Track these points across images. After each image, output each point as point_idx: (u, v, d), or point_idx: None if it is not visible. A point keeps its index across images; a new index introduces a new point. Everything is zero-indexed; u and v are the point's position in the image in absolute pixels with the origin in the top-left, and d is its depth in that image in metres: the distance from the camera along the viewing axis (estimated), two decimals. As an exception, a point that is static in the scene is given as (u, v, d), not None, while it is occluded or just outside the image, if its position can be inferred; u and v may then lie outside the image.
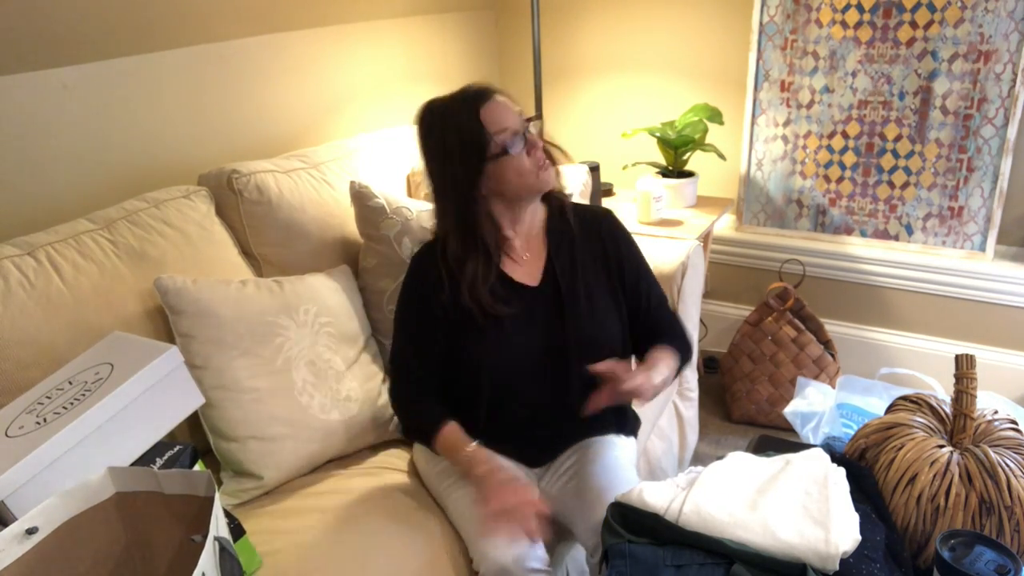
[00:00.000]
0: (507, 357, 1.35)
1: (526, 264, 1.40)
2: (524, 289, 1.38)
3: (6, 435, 1.09)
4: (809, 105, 2.34)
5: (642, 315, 1.44)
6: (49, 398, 1.15)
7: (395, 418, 1.55)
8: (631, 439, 1.49)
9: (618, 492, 1.24)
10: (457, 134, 1.30)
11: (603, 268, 1.42)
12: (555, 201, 1.45)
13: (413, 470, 1.48)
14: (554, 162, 1.36)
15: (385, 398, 1.55)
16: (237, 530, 1.15)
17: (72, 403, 1.11)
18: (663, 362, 1.34)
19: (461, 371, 1.37)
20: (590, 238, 1.43)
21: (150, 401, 1.16)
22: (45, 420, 1.09)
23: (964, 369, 1.13)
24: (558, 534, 1.39)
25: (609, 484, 1.30)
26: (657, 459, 1.87)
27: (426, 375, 1.38)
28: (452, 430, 1.33)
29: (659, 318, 1.45)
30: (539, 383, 1.37)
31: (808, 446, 1.20)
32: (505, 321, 1.34)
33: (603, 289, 1.41)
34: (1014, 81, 2.07)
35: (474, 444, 1.30)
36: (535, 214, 1.42)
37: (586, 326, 1.37)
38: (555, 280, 1.38)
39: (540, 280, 1.39)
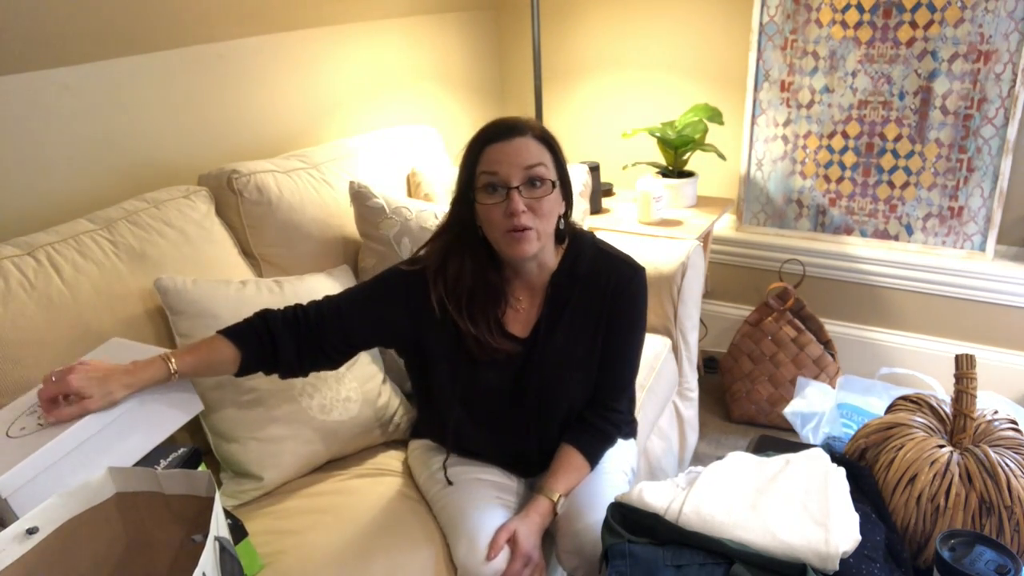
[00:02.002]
0: (471, 395, 1.33)
1: (522, 313, 1.34)
2: (512, 339, 1.32)
3: (7, 436, 1.09)
4: (809, 105, 2.34)
5: (595, 386, 1.37)
6: None
7: (395, 418, 1.55)
8: (630, 442, 1.48)
9: (597, 509, 1.24)
10: (463, 162, 1.27)
11: (591, 328, 1.33)
12: (575, 248, 1.36)
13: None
14: (547, 235, 1.27)
15: (385, 398, 1.55)
16: (239, 532, 1.15)
17: (73, 406, 1.11)
18: (560, 483, 1.28)
19: (432, 393, 1.36)
20: (593, 293, 1.32)
21: (150, 406, 1.16)
22: (47, 422, 1.09)
23: (964, 369, 1.13)
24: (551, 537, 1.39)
25: (588, 501, 1.27)
26: (657, 459, 1.87)
27: (306, 327, 1.26)
28: (205, 343, 1.19)
29: (603, 399, 1.36)
30: (499, 424, 1.35)
31: (808, 446, 1.20)
32: (481, 363, 1.31)
33: (584, 351, 1.33)
34: (1014, 81, 2.07)
35: (176, 374, 1.14)
36: (543, 264, 1.33)
37: (551, 389, 1.32)
38: (538, 338, 1.32)
39: (529, 333, 1.33)
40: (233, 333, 1.21)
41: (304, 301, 1.51)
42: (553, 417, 1.34)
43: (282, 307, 1.28)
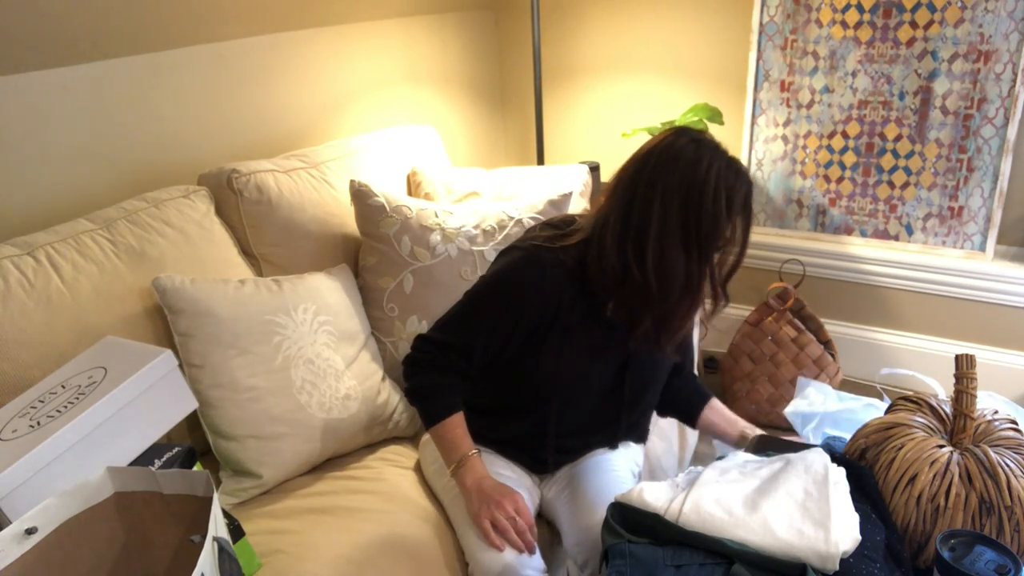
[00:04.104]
0: (577, 381, 1.32)
1: None
2: (613, 324, 1.32)
3: None
4: (809, 105, 2.34)
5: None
6: (42, 402, 1.15)
7: (395, 416, 1.55)
8: (640, 446, 1.50)
9: (606, 508, 1.25)
10: (716, 210, 1.17)
11: None
12: None
13: (413, 468, 1.48)
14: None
15: (385, 396, 1.54)
16: (236, 531, 1.15)
17: (66, 407, 1.11)
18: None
19: (525, 382, 1.33)
20: None
21: (143, 405, 1.15)
22: (39, 423, 1.09)
23: (964, 369, 1.13)
24: (555, 536, 1.39)
25: (600, 496, 1.29)
26: (657, 459, 1.86)
27: (463, 365, 1.31)
28: (460, 423, 1.30)
29: (685, 369, 1.52)
30: (594, 409, 1.37)
31: (808, 446, 1.20)
32: (584, 348, 1.30)
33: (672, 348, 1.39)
34: (1014, 81, 2.07)
35: (475, 451, 1.28)
36: None
37: (648, 370, 1.38)
38: None
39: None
40: (456, 406, 1.32)
41: (303, 299, 1.52)
42: (642, 403, 1.43)
43: (441, 363, 1.31)
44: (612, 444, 1.43)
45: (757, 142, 2.44)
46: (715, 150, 1.20)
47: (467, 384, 1.34)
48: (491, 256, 1.68)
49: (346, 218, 1.75)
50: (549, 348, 1.28)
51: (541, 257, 1.26)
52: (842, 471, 1.09)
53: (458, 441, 1.29)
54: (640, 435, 1.50)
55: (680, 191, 1.17)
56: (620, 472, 1.38)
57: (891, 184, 2.30)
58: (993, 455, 1.05)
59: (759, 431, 1.40)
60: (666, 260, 1.19)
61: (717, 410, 1.46)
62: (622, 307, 1.27)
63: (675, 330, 1.27)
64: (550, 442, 1.36)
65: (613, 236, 1.22)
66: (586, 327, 1.29)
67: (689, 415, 1.47)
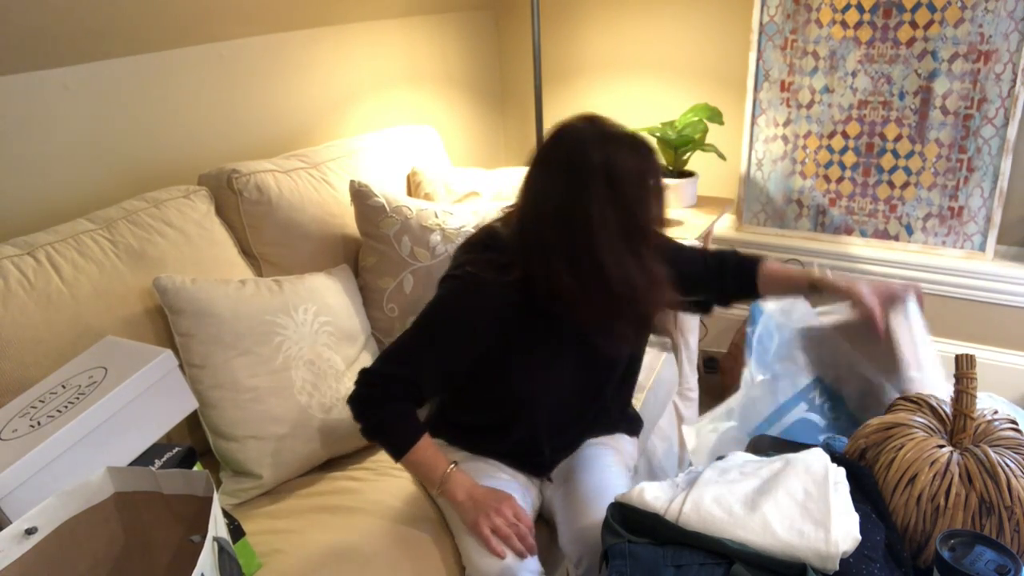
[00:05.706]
0: (554, 389, 1.32)
1: None
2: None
3: None
4: (809, 105, 2.34)
5: (704, 270, 1.47)
6: (43, 402, 1.15)
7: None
8: (633, 439, 1.50)
9: (604, 502, 1.25)
10: (645, 192, 1.23)
11: None
12: None
13: (413, 470, 1.48)
14: None
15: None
16: (237, 531, 1.15)
17: (66, 407, 1.11)
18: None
19: (506, 400, 1.32)
20: None
21: (144, 405, 1.16)
22: (39, 423, 1.09)
23: (964, 369, 1.13)
24: (554, 536, 1.39)
25: (596, 494, 1.29)
26: (657, 459, 1.86)
27: (412, 394, 1.28)
28: (429, 443, 1.28)
29: (718, 258, 1.48)
30: (579, 401, 1.37)
31: (808, 446, 1.20)
32: (553, 358, 1.30)
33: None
34: (1014, 81, 2.07)
35: (452, 466, 1.27)
36: None
37: (634, 359, 1.40)
38: None
39: None
40: (421, 428, 1.29)
41: (304, 300, 1.52)
42: (631, 376, 1.46)
43: (398, 391, 1.27)
44: (608, 429, 1.44)
45: (757, 142, 2.44)
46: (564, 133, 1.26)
47: (451, 407, 1.35)
48: (491, 256, 1.68)
49: (346, 218, 1.75)
50: (517, 367, 1.28)
51: (480, 283, 1.23)
52: (842, 471, 1.09)
53: (433, 461, 1.27)
54: (631, 425, 1.50)
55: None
56: (615, 468, 1.38)
57: (891, 184, 2.30)
58: (993, 455, 1.05)
59: (822, 272, 1.38)
60: (550, 268, 1.18)
61: (773, 266, 1.44)
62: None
63: (613, 318, 1.24)
64: (544, 446, 1.36)
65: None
66: (549, 340, 1.28)
67: (749, 285, 1.47)
